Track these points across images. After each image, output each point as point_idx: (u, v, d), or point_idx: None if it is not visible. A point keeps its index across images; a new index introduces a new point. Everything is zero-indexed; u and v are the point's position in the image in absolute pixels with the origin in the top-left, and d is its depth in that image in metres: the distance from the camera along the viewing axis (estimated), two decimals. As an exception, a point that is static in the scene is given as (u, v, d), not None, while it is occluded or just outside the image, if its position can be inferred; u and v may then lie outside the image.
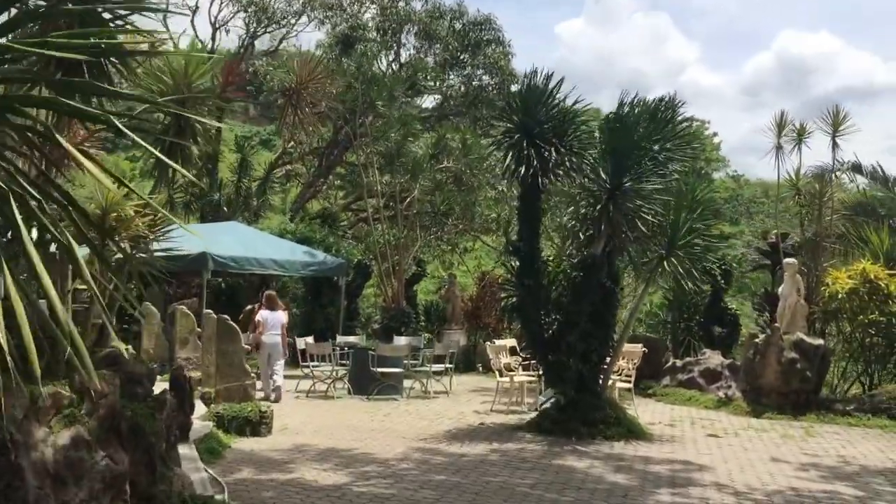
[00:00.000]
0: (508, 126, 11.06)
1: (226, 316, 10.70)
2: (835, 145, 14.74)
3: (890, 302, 12.76)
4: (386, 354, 13.99)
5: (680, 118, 11.03)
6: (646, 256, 11.25)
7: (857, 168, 14.38)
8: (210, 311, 10.95)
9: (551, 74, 10.71)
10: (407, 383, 14.44)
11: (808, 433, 11.34)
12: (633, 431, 10.69)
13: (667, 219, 10.77)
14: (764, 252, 17.00)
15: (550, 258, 12.05)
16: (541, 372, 12.38)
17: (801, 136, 15.11)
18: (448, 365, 14.68)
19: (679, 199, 10.86)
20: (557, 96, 10.74)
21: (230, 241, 16.15)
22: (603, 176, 10.65)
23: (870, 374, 13.27)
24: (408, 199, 19.45)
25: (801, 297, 13.30)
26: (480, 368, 18.06)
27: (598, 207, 10.53)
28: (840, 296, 12.86)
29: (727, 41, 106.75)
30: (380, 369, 13.72)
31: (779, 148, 15.27)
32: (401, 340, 16.04)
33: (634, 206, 10.38)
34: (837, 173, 14.40)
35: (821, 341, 13.20)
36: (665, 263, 10.87)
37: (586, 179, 10.90)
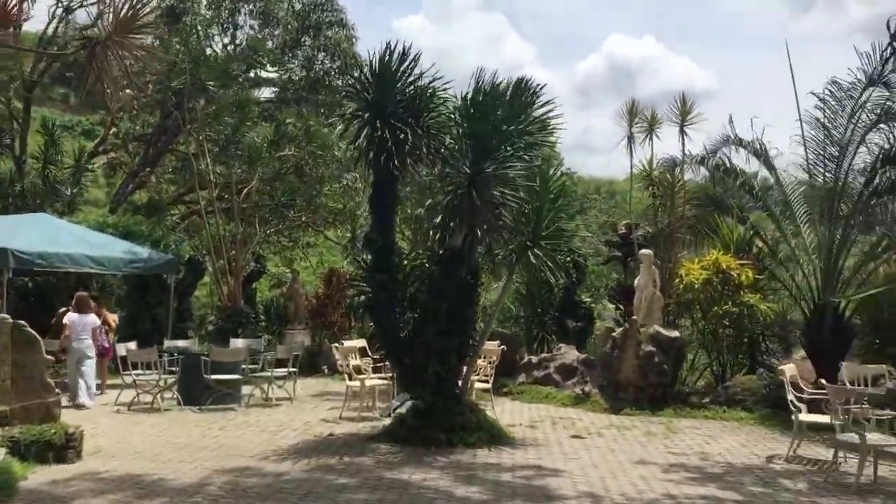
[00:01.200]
0: (359, 104, 9.99)
1: (23, 322, 8.96)
2: (683, 134, 14.65)
3: (741, 292, 12.74)
4: (220, 359, 12.55)
5: (541, 102, 10.33)
6: (508, 247, 10.51)
7: (702, 161, 14.31)
8: (5, 315, 9.16)
9: (408, 48, 9.75)
10: (246, 390, 13.06)
11: (669, 429, 11.03)
12: (496, 436, 9.93)
13: (531, 207, 10.07)
14: (614, 244, 16.83)
15: (406, 252, 11.09)
16: (394, 374, 11.44)
17: (652, 125, 14.96)
18: (291, 369, 13.42)
19: (544, 186, 10.19)
20: (414, 72, 9.77)
21: (35, 235, 14.08)
22: (462, 161, 9.79)
23: (722, 365, 13.24)
24: (245, 191, 17.91)
25: (657, 289, 13.08)
26: (326, 370, 16.88)
27: (459, 195, 9.65)
28: (695, 286, 12.71)
29: (560, 43, 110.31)
30: (214, 376, 12.28)
31: (630, 138, 15.08)
32: (238, 343, 14.57)
33: (497, 194, 9.59)
34: (686, 163, 14.28)
35: (676, 333, 13.04)
36: (530, 254, 10.17)
37: (445, 165, 10.01)
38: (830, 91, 12.41)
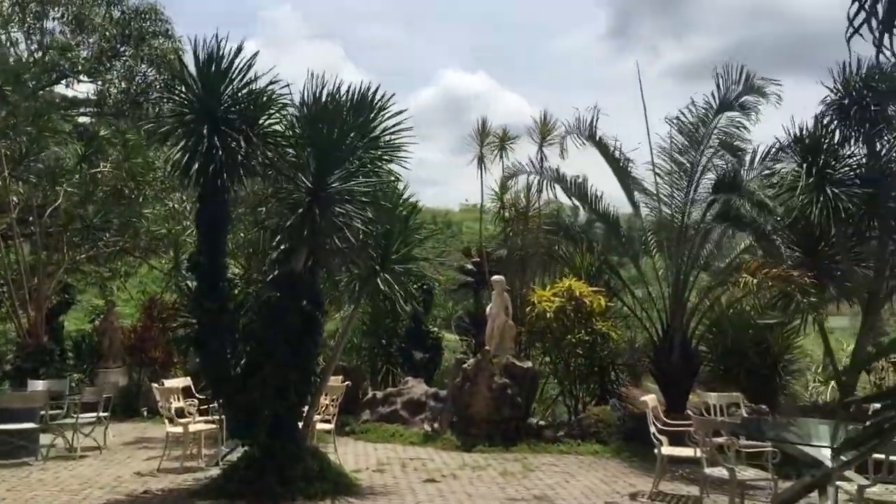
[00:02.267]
0: (182, 105, 8.68)
1: None
2: (542, 156, 14.14)
3: (594, 320, 12.35)
4: (12, 406, 10.65)
5: (391, 112, 9.44)
6: (354, 272, 9.48)
7: (561, 179, 13.88)
8: None
9: (242, 45, 8.58)
10: (45, 440, 11.18)
11: (526, 467, 10.32)
12: (341, 485, 8.82)
13: (379, 227, 9.12)
14: (468, 271, 16.15)
15: (238, 277, 9.81)
16: (223, 417, 10.07)
17: (503, 142, 14.42)
18: (103, 413, 11.64)
19: (394, 205, 9.28)
20: (249, 73, 8.61)
21: None
22: (304, 175, 8.71)
23: (574, 396, 12.77)
24: (48, 212, 15.78)
25: (510, 317, 12.46)
26: (146, 413, 15.02)
27: (300, 213, 8.55)
28: (548, 315, 12.18)
29: (396, 74, 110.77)
30: (3, 426, 10.37)
31: (481, 158, 14.49)
32: (37, 385, 12.56)
33: (343, 212, 8.56)
34: (544, 185, 13.82)
35: (529, 364, 12.45)
36: (378, 279, 9.18)
37: (284, 179, 8.88)
38: (679, 119, 12.42)
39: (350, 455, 11.10)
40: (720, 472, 7.82)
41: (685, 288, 12.57)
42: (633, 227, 13.45)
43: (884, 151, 11.25)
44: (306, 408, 9.33)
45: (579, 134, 12.89)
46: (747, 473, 7.87)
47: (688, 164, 12.35)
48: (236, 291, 9.25)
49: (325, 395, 10.63)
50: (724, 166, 11.88)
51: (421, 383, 13.90)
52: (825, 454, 7.93)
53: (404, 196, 9.89)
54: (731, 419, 10.18)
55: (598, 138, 12.82)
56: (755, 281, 11.06)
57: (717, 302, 12.79)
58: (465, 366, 12.28)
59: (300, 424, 9.22)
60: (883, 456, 7.15)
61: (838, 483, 7.57)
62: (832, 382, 13.12)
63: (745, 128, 11.96)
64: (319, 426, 10.66)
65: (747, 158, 11.90)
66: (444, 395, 13.03)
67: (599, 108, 12.72)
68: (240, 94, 8.61)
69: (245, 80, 8.56)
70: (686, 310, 12.74)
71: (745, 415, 10.39)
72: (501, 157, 14.57)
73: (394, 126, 9.17)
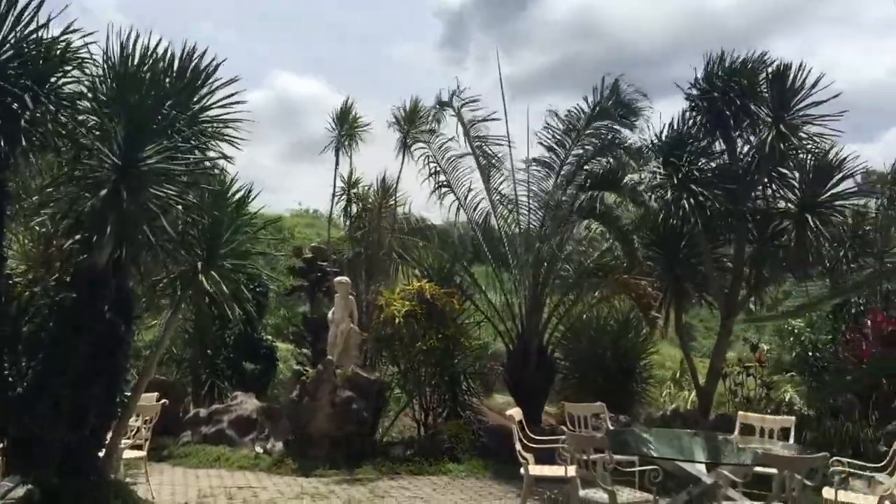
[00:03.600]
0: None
1: None
2: (406, 147, 12.74)
3: (447, 325, 11.31)
4: None
5: (221, 81, 7.93)
6: (174, 268, 7.90)
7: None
8: None
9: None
10: None
11: (374, 493, 9.09)
12: (153, 528, 7.24)
13: (205, 216, 7.61)
14: (299, 271, 14.66)
15: (19, 274, 7.96)
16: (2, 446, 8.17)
17: (353, 127, 12.89)
18: None
19: (223, 190, 7.82)
20: (39, 17, 6.86)
21: None
22: (110, 147, 7.06)
23: (425, 409, 11.66)
24: None
25: (355, 323, 11.20)
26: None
27: (103, 194, 6.90)
28: (397, 320, 11.00)
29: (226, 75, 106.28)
30: None
31: (338, 146, 12.99)
32: None
33: (159, 194, 7.00)
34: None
35: (377, 374, 11.26)
36: (203, 278, 7.66)
37: (84, 152, 7.18)
38: (548, 124, 11.88)
39: (166, 486, 9.44)
40: (597, 494, 6.95)
41: (543, 291, 11.86)
42: (490, 228, 12.62)
43: (743, 152, 10.96)
44: (110, 434, 7.66)
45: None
46: (626, 495, 7.04)
47: (556, 161, 11.87)
48: (17, 290, 7.44)
49: (137, 415, 8.92)
50: (595, 167, 11.41)
51: (252, 398, 12.35)
52: (701, 469, 7.29)
53: (235, 180, 8.42)
54: (596, 433, 9.46)
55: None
56: (607, 286, 10.51)
57: (575, 306, 12.17)
58: (303, 378, 10.91)
59: (101, 454, 7.54)
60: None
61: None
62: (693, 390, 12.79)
63: (617, 131, 11.51)
64: (128, 453, 8.92)
65: (622, 159, 11.38)
66: (279, 411, 11.59)
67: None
68: (25, 45, 6.85)
69: (32, 27, 6.81)
70: (543, 314, 12.06)
71: (611, 427, 9.70)
72: (350, 153, 13.27)
73: (224, 99, 7.70)
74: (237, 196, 8.10)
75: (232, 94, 7.74)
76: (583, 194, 11.00)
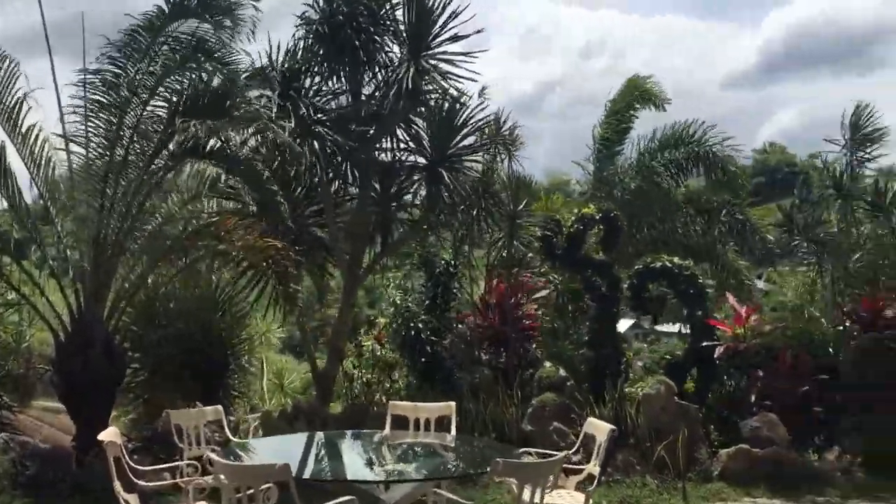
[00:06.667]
0: None
1: None
2: None
3: None
4: None
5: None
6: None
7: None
8: None
9: None
10: None
11: None
12: None
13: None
14: None
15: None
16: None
17: None
18: None
19: None
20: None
21: None
22: None
23: None
24: None
25: None
26: None
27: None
28: None
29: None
30: None
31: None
32: None
33: None
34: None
35: None
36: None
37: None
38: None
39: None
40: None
41: (113, 261, 8.73)
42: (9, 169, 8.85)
43: (370, 92, 9.24)
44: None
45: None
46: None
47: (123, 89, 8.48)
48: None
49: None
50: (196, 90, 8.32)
51: None
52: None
53: None
54: (276, 461, 6.89)
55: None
56: (222, 248, 8.04)
57: (163, 279, 9.29)
58: None
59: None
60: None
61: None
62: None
63: (207, 39, 8.54)
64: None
65: (237, 82, 8.49)
66: None
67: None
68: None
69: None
70: (112, 291, 8.94)
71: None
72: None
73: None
74: None
75: None
76: (183, 126, 8.00)
